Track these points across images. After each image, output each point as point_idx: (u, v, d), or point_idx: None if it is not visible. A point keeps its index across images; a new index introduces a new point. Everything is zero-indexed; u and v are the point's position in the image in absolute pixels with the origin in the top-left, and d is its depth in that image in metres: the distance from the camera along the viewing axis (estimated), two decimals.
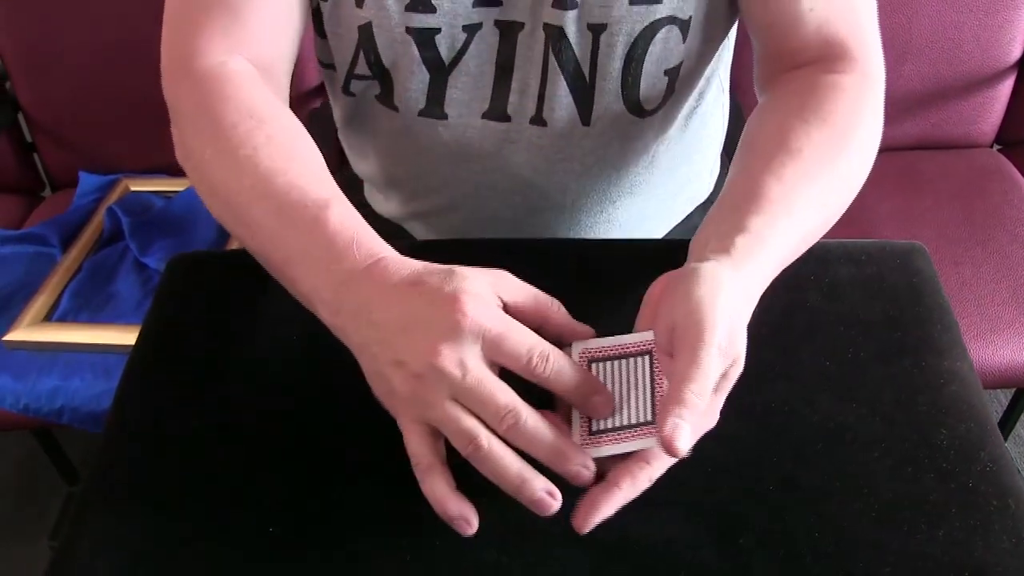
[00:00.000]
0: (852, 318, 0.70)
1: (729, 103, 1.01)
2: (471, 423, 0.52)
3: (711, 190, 1.07)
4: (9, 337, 1.35)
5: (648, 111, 0.83)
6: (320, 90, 1.62)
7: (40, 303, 1.40)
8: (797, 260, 0.68)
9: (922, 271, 0.76)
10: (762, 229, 0.62)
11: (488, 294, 0.56)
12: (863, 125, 0.71)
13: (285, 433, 0.65)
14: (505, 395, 0.52)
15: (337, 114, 0.96)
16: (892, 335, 0.70)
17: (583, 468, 0.53)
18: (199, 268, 0.81)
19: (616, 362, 0.58)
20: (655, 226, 0.99)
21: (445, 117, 0.83)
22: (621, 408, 0.56)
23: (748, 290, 0.60)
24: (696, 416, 0.51)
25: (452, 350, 0.52)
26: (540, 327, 0.58)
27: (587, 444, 0.55)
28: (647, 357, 0.58)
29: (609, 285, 0.73)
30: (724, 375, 0.55)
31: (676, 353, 0.54)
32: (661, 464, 0.54)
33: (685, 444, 0.50)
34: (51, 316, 1.39)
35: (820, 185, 0.66)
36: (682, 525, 0.58)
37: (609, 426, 0.56)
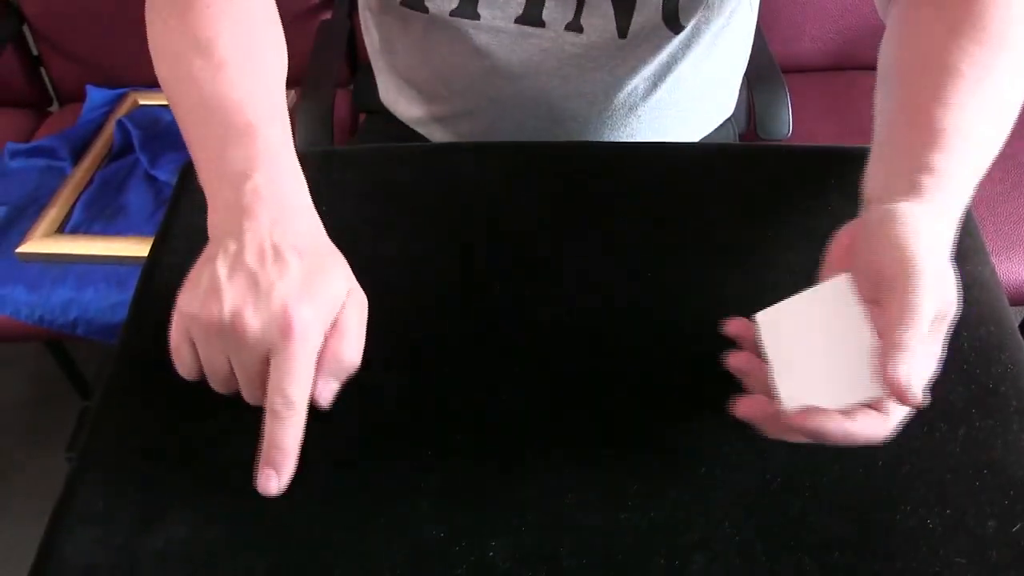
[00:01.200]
0: None
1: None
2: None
3: (731, 111, 1.06)
4: (22, 249, 1.35)
5: (683, 25, 0.81)
6: (329, 2, 1.59)
7: (52, 215, 1.40)
8: (819, 163, 0.67)
9: None
10: (946, 165, 0.57)
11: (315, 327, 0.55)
12: (1017, 20, 0.64)
13: None
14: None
15: (366, 15, 0.95)
16: None
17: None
18: None
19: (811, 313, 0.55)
20: (672, 136, 0.98)
21: (478, 17, 0.81)
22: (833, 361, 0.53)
23: (946, 231, 0.56)
24: (918, 361, 0.48)
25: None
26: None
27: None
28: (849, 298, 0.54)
29: (636, 188, 0.73)
30: (941, 317, 0.51)
31: (886, 300, 0.51)
32: (898, 414, 0.52)
33: (918, 390, 0.48)
34: (63, 228, 1.39)
35: (989, 98, 0.61)
36: (705, 420, 0.59)
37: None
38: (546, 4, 0.80)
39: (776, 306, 0.56)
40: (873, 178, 0.60)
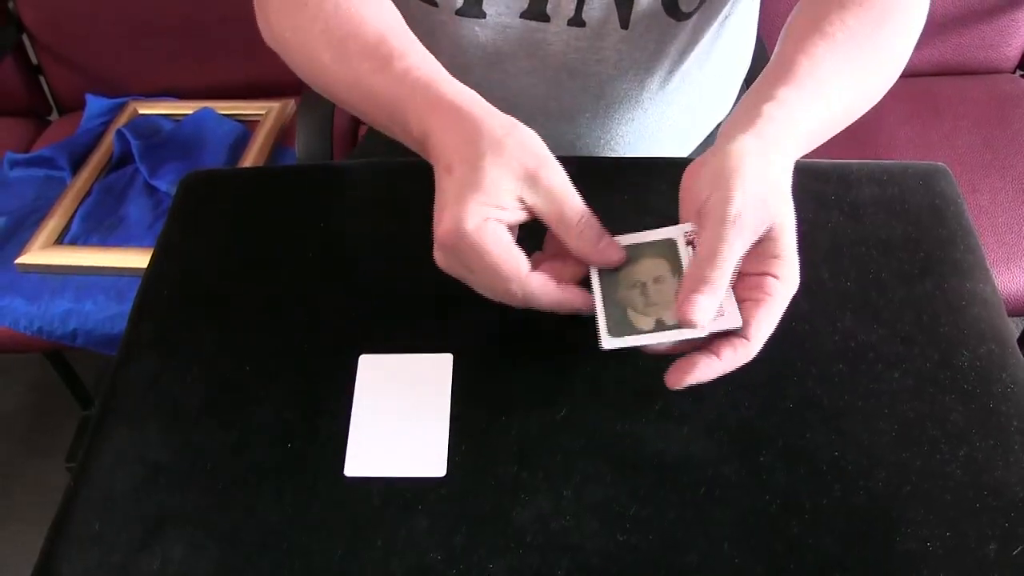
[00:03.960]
0: (874, 239, 0.70)
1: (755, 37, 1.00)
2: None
3: (733, 105, 1.05)
4: (22, 260, 1.35)
5: (685, 13, 0.81)
6: None
7: (51, 226, 1.40)
8: (819, 180, 0.67)
9: (945, 192, 0.74)
10: (788, 96, 0.61)
11: (503, 199, 0.57)
12: (903, 7, 0.71)
13: (298, 350, 0.65)
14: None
15: None
16: (914, 256, 0.69)
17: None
18: (212, 186, 0.81)
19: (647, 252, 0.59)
20: (682, 138, 0.99)
21: (483, 16, 0.81)
22: (656, 302, 0.56)
23: (777, 155, 0.59)
24: (715, 292, 0.52)
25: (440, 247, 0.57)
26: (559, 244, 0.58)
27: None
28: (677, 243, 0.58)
29: (634, 202, 0.73)
30: (770, 238, 0.55)
31: (700, 230, 0.55)
32: (760, 340, 0.55)
33: (702, 317, 0.52)
34: (63, 239, 1.39)
35: (854, 63, 0.66)
36: (704, 441, 0.58)
37: (645, 328, 0.56)
38: None
39: (627, 236, 0.60)
40: (727, 120, 0.64)
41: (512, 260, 0.56)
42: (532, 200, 0.57)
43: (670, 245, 0.58)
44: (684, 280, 0.53)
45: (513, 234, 0.57)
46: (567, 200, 0.57)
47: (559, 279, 0.58)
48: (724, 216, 0.53)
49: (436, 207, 0.58)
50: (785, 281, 0.55)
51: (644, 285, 0.58)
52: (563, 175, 0.58)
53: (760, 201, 0.54)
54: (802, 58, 0.64)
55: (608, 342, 0.56)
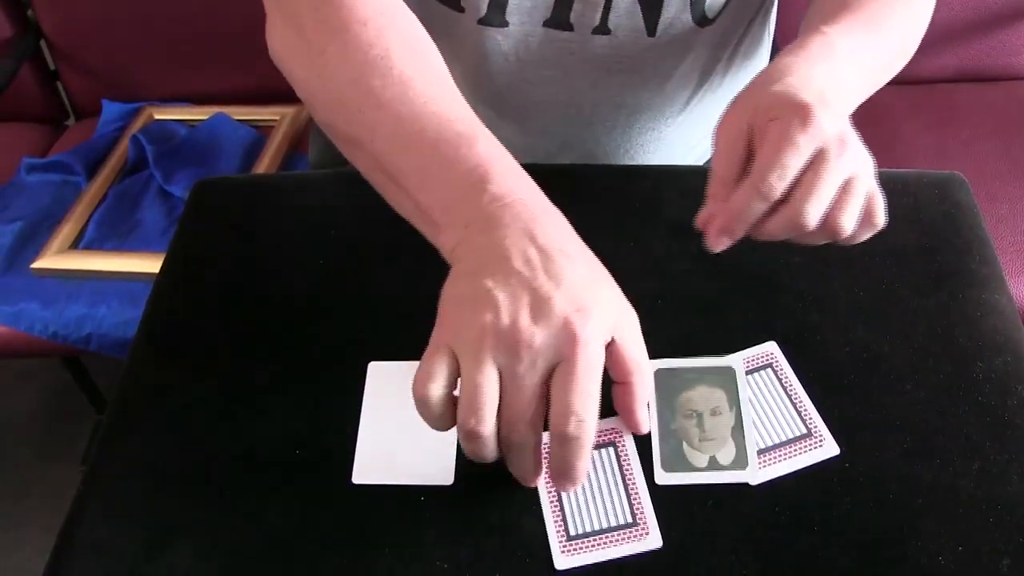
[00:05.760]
0: (888, 248, 0.69)
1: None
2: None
3: None
4: (37, 265, 1.36)
5: (710, 19, 0.81)
6: None
7: (67, 231, 1.41)
8: None
9: (961, 201, 0.74)
10: (837, 33, 0.61)
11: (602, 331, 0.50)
12: None
13: (310, 354, 0.65)
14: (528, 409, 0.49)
15: None
16: (929, 266, 0.68)
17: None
18: (224, 193, 0.81)
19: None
20: (702, 148, 0.98)
21: (506, 24, 0.81)
22: (712, 437, 0.57)
23: (832, 69, 0.58)
24: (760, 197, 0.52)
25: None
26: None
27: (566, 551, 0.54)
28: (611, 449, 0.58)
29: (646, 210, 0.72)
30: (841, 143, 0.53)
31: (757, 144, 0.54)
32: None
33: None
34: (78, 244, 1.40)
35: (896, 14, 0.66)
36: None
37: (588, 530, 0.55)
38: (574, 6, 0.79)
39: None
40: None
41: (597, 395, 0.48)
42: (627, 345, 0.51)
43: (729, 375, 0.59)
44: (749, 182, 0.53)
45: None
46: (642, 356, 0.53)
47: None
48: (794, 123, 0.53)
49: (535, 284, 0.49)
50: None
51: (701, 417, 0.58)
52: None
53: (823, 101, 0.54)
54: (845, 12, 0.63)
55: (662, 478, 0.56)
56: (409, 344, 0.64)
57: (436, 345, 0.50)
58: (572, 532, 0.55)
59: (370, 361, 0.64)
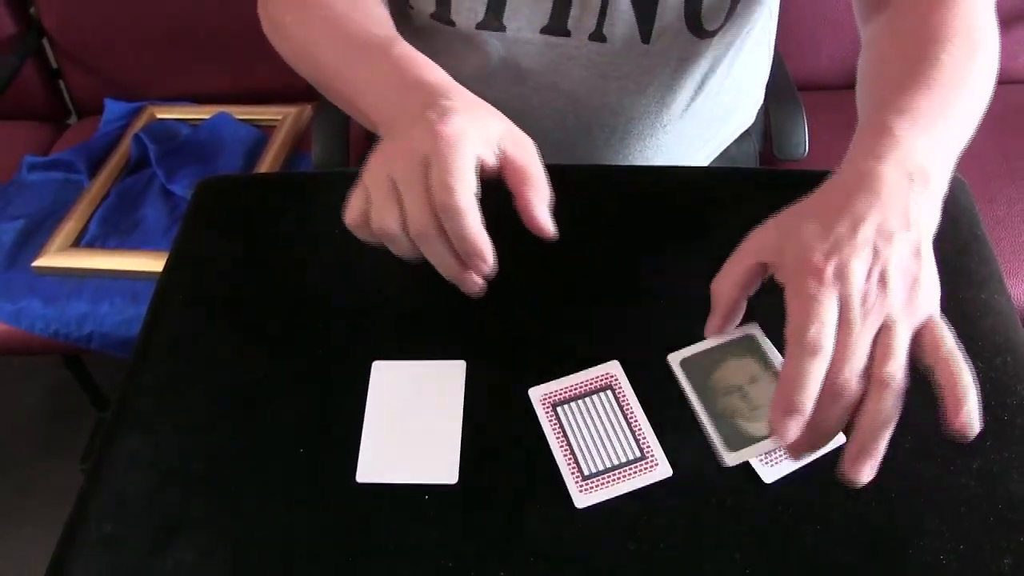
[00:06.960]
0: None
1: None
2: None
3: (752, 120, 1.06)
4: (38, 263, 1.36)
5: (708, 31, 0.81)
6: None
7: (68, 229, 1.41)
8: None
9: (960, 202, 0.74)
10: (900, 119, 0.58)
11: (490, 131, 0.59)
12: (980, 28, 0.68)
13: (312, 356, 0.65)
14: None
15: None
16: None
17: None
18: (226, 191, 0.81)
19: (581, 402, 0.60)
20: (699, 153, 0.98)
21: (503, 29, 0.81)
22: (761, 404, 0.55)
23: (895, 165, 0.56)
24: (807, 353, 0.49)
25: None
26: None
27: (584, 491, 0.56)
28: (609, 392, 0.60)
29: (650, 211, 0.73)
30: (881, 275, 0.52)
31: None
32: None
33: (793, 434, 0.48)
34: (79, 242, 1.40)
35: (960, 83, 0.65)
36: (732, 470, 0.58)
37: (600, 468, 0.57)
38: (570, 13, 0.80)
39: (555, 381, 0.62)
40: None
41: (470, 181, 0.55)
42: (513, 151, 0.58)
43: (752, 343, 0.58)
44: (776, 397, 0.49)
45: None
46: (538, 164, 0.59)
47: None
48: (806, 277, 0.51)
49: (398, 125, 0.59)
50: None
51: (741, 388, 0.57)
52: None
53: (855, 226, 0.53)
54: (920, 93, 0.61)
55: (731, 459, 0.54)
56: (413, 343, 0.65)
57: (368, 178, 0.59)
58: (586, 472, 0.57)
59: (374, 360, 0.64)
